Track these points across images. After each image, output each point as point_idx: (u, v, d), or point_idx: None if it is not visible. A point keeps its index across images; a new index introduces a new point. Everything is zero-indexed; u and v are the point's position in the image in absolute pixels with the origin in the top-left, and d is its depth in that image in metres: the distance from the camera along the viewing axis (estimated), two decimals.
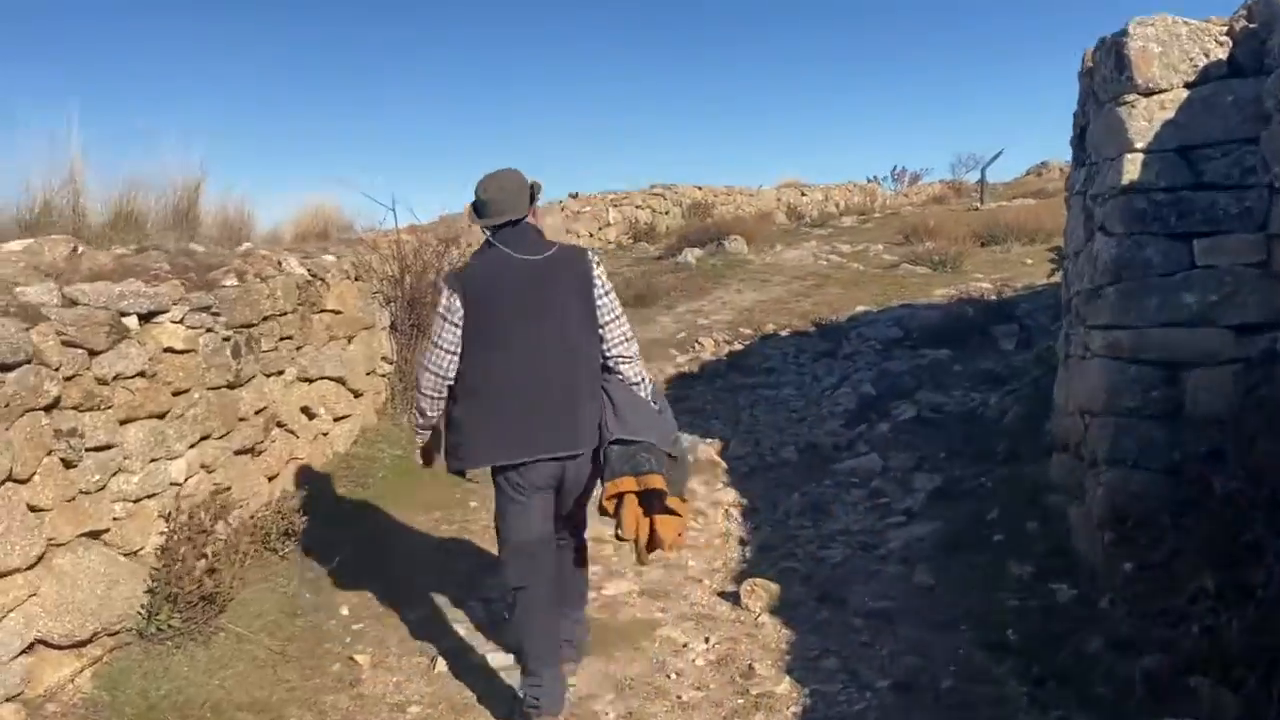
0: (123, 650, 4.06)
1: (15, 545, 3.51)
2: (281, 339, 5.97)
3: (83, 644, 3.91)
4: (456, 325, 3.65)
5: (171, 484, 4.63)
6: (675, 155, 76.56)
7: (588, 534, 4.29)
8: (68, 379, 3.97)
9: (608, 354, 3.73)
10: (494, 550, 4.21)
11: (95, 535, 4.10)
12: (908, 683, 3.94)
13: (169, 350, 4.71)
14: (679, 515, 3.81)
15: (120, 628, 4.09)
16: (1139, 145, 4.46)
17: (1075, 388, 5.15)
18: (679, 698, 3.98)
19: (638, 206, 21.09)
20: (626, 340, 3.75)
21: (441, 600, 4.88)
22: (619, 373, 3.75)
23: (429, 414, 3.86)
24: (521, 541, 3.71)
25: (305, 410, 6.33)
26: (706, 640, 4.44)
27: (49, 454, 3.80)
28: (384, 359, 7.86)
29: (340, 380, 6.86)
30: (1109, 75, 4.69)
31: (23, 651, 3.58)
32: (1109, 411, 4.59)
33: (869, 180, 31.19)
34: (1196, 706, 3.27)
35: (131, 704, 3.78)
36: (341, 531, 5.59)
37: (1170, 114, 4.41)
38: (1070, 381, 5.30)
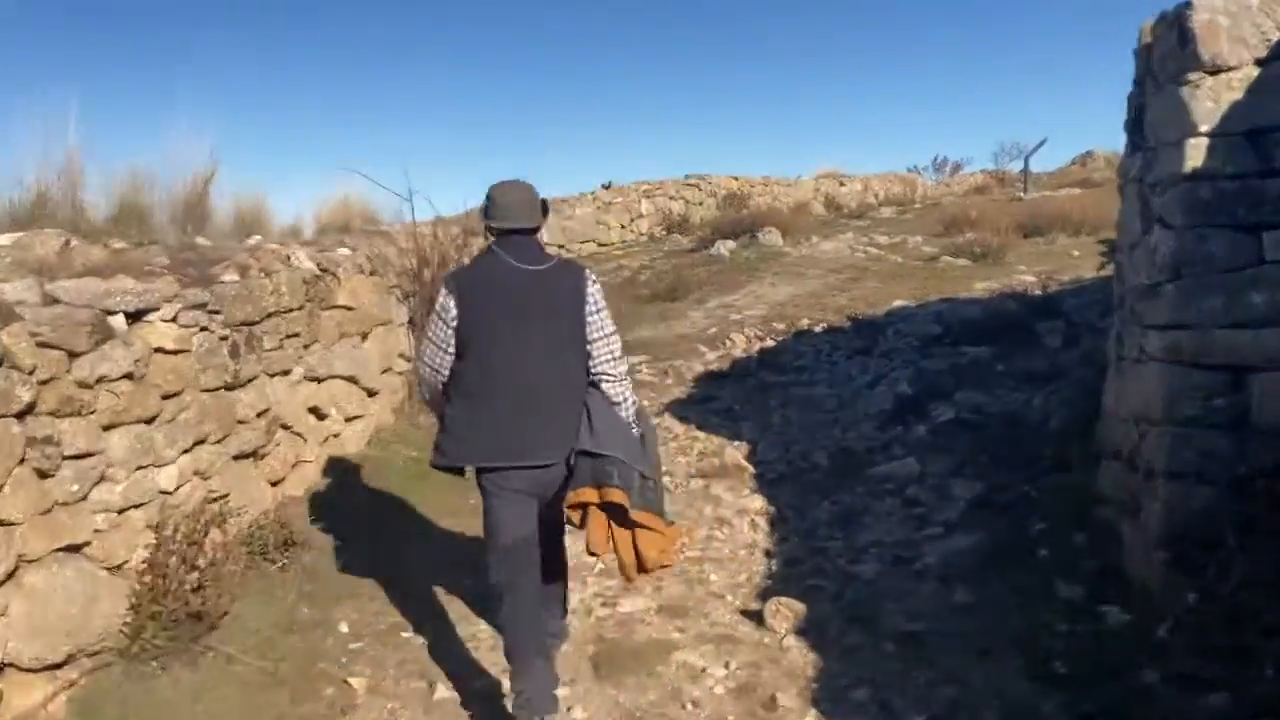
0: (103, 672, 3.82)
1: None
2: (287, 337, 5.72)
3: (57, 666, 3.68)
4: (449, 325, 3.70)
5: (160, 493, 4.38)
6: (712, 145, 75.69)
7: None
8: (43, 383, 3.73)
9: (594, 370, 3.74)
10: None
11: (74, 549, 3.86)
12: (945, 718, 3.60)
13: (159, 350, 4.46)
14: (660, 533, 3.76)
15: (100, 648, 3.86)
16: (1203, 129, 4.09)
17: (1129, 392, 4.77)
18: None
19: (671, 197, 20.68)
20: (614, 359, 3.76)
21: (448, 618, 4.59)
22: (602, 389, 3.74)
23: (431, 405, 3.95)
24: (507, 542, 3.70)
25: (314, 411, 6.08)
26: (726, 665, 4.11)
27: (21, 463, 3.57)
28: (401, 356, 7.58)
29: (352, 379, 6.60)
30: (1170, 52, 4.30)
31: None
32: (1167, 420, 4.22)
33: (909, 170, 30.64)
34: None
35: None
36: (347, 540, 5.33)
37: (1238, 94, 4.03)
38: (1123, 385, 4.92)
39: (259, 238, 6.84)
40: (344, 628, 4.51)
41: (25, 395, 3.59)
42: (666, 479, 6.59)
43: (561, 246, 17.87)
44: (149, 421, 4.33)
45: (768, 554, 5.31)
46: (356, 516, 5.58)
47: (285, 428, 5.65)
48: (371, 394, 6.87)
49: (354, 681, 4.04)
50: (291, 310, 5.79)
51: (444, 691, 4.00)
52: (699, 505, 6.05)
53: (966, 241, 14.15)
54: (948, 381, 7.99)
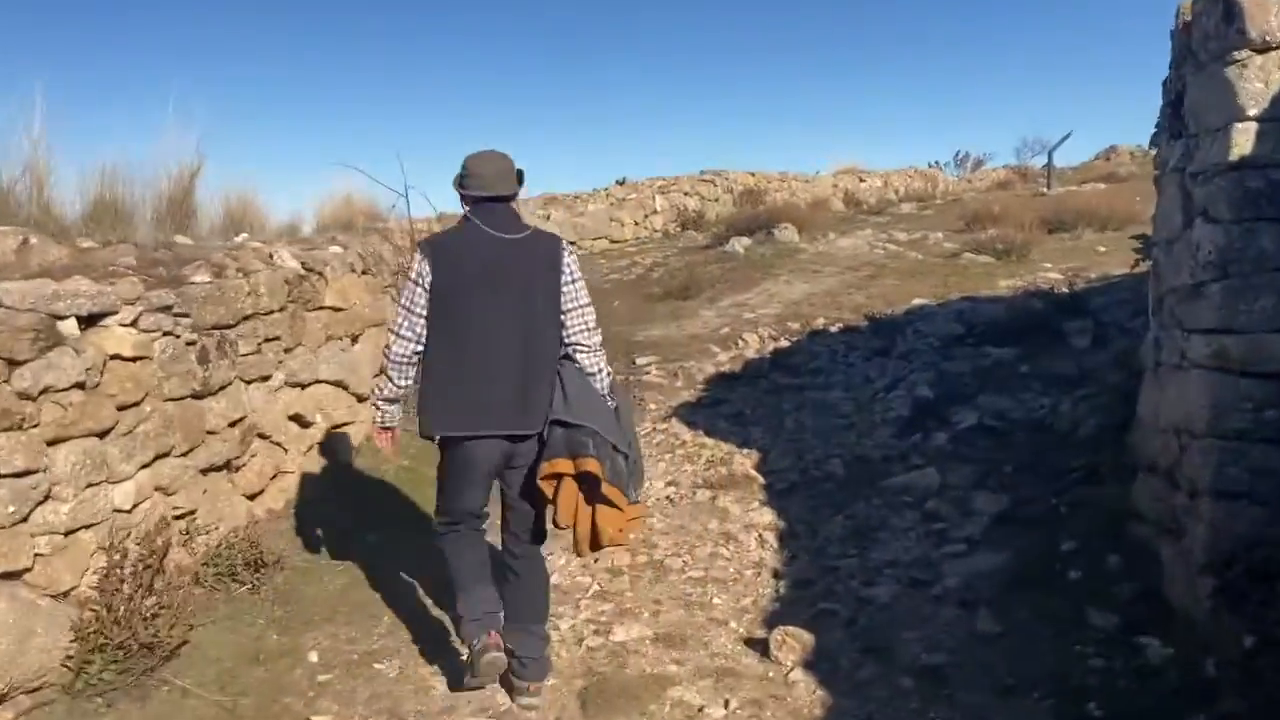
0: (42, 711, 3.51)
1: None
2: (266, 340, 5.40)
3: None
4: (427, 290, 3.65)
5: (115, 511, 4.06)
6: (729, 140, 74.90)
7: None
8: None
9: (568, 341, 3.72)
10: None
11: (12, 576, 3.54)
12: None
13: (116, 357, 4.14)
14: (620, 509, 3.68)
15: (40, 684, 3.54)
16: (1252, 112, 3.69)
17: (1168, 401, 4.38)
18: None
19: (686, 193, 20.25)
20: (588, 330, 3.74)
21: (426, 648, 4.24)
22: (576, 361, 3.73)
23: (398, 383, 3.82)
24: (458, 511, 3.77)
25: (296, 418, 5.75)
26: (726, 704, 3.74)
27: None
28: None
29: (340, 384, 6.28)
30: (1214, 29, 3.90)
31: None
32: (1213, 433, 3.83)
33: (931, 165, 30.06)
34: None
35: None
36: (326, 558, 5.01)
37: None
38: (1161, 393, 4.52)
39: (245, 236, 6.53)
40: (314, 657, 4.17)
41: None
42: (672, 489, 6.25)
43: (573, 243, 17.53)
44: (102, 435, 4.00)
45: (776, 574, 4.93)
46: (338, 532, 5.24)
47: (263, 437, 5.33)
48: (362, 399, 6.52)
49: None
50: (272, 312, 5.46)
51: None
52: (704, 519, 5.68)
53: (989, 238, 13.69)
54: (970, 385, 7.59)
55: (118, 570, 3.83)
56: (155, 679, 3.75)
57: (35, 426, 3.67)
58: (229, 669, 3.95)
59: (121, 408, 4.11)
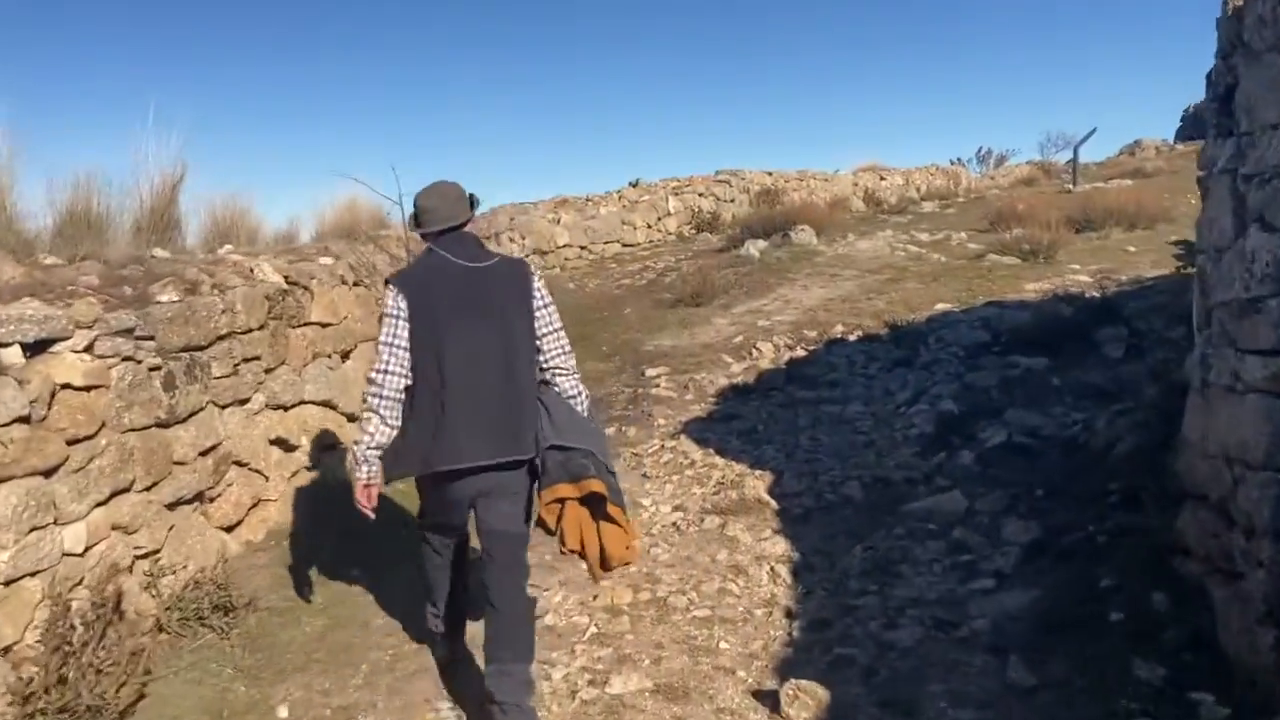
0: None
1: None
2: (244, 361, 5.08)
3: None
4: (407, 322, 3.53)
5: (65, 555, 3.73)
6: (746, 139, 74.53)
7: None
8: None
9: (545, 365, 3.68)
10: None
11: None
12: None
13: (66, 387, 3.81)
14: (623, 528, 3.63)
15: None
16: None
17: (1218, 425, 3.97)
18: None
19: (700, 194, 19.80)
20: (565, 353, 3.70)
21: (404, 703, 3.89)
22: (556, 385, 3.68)
23: (390, 422, 3.54)
24: (443, 527, 3.79)
25: (279, 443, 5.42)
26: None
27: None
28: None
29: (328, 404, 5.96)
30: (1270, 13, 3.50)
31: None
32: (1272, 466, 3.43)
33: (953, 163, 29.54)
34: None
35: None
36: (305, 597, 4.68)
37: None
38: (1210, 416, 4.11)
39: (229, 248, 6.22)
40: (283, 712, 3.82)
41: None
42: (679, 514, 5.89)
43: (584, 248, 17.19)
44: (49, 473, 3.68)
45: (789, 613, 4.55)
46: (320, 565, 4.91)
47: (240, 465, 5.00)
48: (352, 419, 6.19)
49: None
50: (250, 330, 5.14)
51: None
52: (713, 549, 5.29)
53: (1014, 238, 13.25)
54: (997, 398, 7.19)
55: (61, 622, 3.50)
56: None
57: None
58: None
59: (72, 441, 3.79)
